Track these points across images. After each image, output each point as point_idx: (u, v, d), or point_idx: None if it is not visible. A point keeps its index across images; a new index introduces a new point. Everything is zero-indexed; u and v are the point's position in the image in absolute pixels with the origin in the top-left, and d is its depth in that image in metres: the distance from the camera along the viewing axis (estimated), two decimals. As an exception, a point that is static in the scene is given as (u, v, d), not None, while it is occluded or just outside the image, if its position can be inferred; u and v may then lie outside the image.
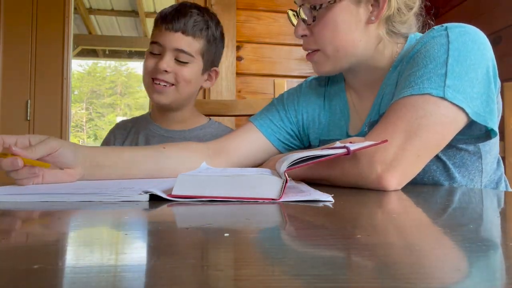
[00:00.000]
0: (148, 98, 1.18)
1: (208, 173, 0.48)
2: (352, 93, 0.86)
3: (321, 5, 0.73)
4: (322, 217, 0.36)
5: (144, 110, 10.10)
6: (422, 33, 0.76)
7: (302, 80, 0.99)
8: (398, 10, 0.73)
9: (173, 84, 1.04)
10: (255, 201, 0.44)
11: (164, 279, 0.18)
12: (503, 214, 0.41)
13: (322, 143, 0.87)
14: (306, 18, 0.75)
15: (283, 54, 1.93)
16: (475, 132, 0.68)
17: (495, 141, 0.75)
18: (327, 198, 0.44)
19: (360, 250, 0.23)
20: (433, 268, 0.20)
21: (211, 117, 1.23)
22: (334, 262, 0.21)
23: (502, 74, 0.68)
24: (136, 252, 0.24)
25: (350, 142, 0.60)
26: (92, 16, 5.41)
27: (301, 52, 1.96)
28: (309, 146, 0.93)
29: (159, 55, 1.03)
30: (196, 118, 1.17)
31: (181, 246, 0.25)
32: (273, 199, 0.44)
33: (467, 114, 0.61)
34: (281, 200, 0.44)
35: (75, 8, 3.88)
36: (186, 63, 1.03)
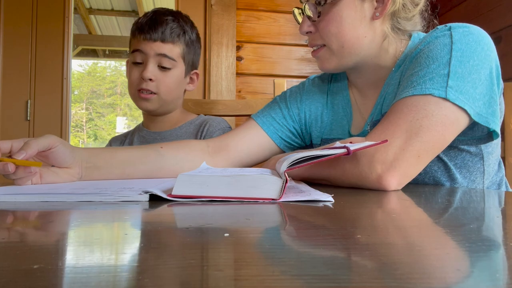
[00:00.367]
0: None
1: (208, 173, 0.48)
2: (355, 92, 0.86)
3: (325, 0, 0.73)
4: (322, 217, 0.36)
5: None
6: (426, 32, 0.76)
7: (302, 80, 0.99)
8: (403, 6, 0.73)
9: (156, 93, 1.06)
10: (255, 201, 0.44)
11: (164, 279, 0.18)
12: (503, 214, 0.40)
13: (324, 142, 0.87)
14: (311, 15, 0.75)
15: (283, 54, 1.93)
16: (477, 133, 0.68)
17: (497, 143, 0.75)
18: (327, 198, 0.44)
19: (360, 250, 0.23)
20: (433, 268, 0.20)
21: (209, 116, 1.23)
22: (334, 262, 0.21)
23: (502, 74, 0.68)
24: (136, 252, 0.23)
25: (351, 142, 0.60)
26: (92, 16, 5.41)
27: (301, 52, 1.96)
28: (310, 145, 0.92)
29: (142, 64, 1.06)
30: (185, 117, 1.19)
31: (181, 246, 0.25)
32: (273, 199, 0.44)
33: (469, 115, 0.61)
34: (281, 200, 0.44)
35: (75, 8, 3.88)
36: (170, 69, 1.06)
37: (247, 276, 0.19)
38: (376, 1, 0.73)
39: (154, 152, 0.76)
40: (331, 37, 0.74)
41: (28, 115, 2.28)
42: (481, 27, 0.68)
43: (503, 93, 1.04)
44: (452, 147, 0.69)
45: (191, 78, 1.16)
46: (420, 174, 0.62)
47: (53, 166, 0.66)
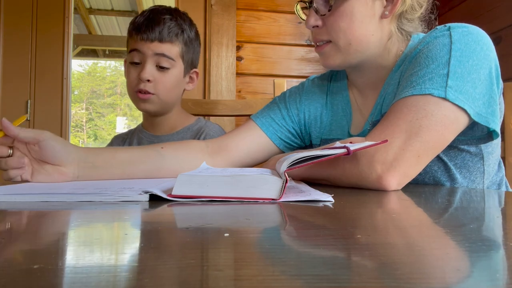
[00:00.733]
0: None
1: (208, 173, 0.48)
2: (354, 92, 0.86)
3: None
4: (322, 217, 0.36)
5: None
6: (426, 32, 0.76)
7: (302, 80, 0.99)
8: (411, 7, 0.73)
9: (154, 93, 1.05)
10: (255, 201, 0.44)
11: (164, 279, 0.18)
12: (503, 214, 0.40)
13: (323, 142, 0.87)
14: (321, 8, 0.74)
15: (283, 54, 1.93)
16: (477, 133, 0.68)
17: (497, 143, 0.75)
18: (327, 198, 0.44)
19: (360, 250, 0.23)
20: (433, 268, 0.20)
21: (208, 117, 1.23)
22: (334, 262, 0.21)
23: (502, 74, 0.68)
24: (136, 252, 0.23)
25: (350, 142, 0.60)
26: (92, 16, 5.41)
27: (301, 52, 1.96)
28: (310, 145, 0.92)
29: (140, 64, 1.04)
30: (184, 119, 1.17)
31: (181, 246, 0.25)
32: (273, 199, 0.44)
33: (468, 115, 0.61)
34: (281, 200, 0.44)
35: (75, 8, 3.88)
36: (168, 68, 1.04)
37: (247, 276, 0.19)
38: (386, 0, 0.72)
39: (154, 152, 0.76)
40: (339, 33, 0.73)
41: (28, 115, 2.28)
42: (481, 27, 0.68)
43: (503, 93, 1.04)
44: (452, 147, 0.68)
45: (190, 77, 1.14)
46: (420, 174, 0.62)
47: (48, 164, 0.66)
